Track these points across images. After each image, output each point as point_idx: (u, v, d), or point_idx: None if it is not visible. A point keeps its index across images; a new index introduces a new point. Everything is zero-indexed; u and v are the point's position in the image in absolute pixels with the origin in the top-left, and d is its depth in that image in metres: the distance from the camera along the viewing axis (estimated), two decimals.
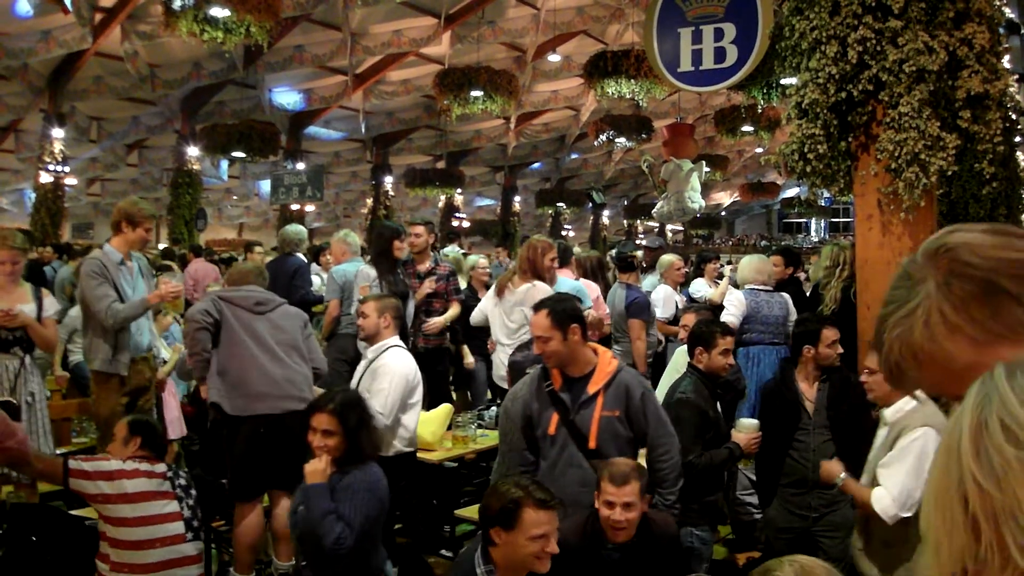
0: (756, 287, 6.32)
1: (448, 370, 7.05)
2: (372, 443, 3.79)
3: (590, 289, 6.53)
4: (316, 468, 3.56)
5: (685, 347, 4.92)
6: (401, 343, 4.93)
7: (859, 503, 3.64)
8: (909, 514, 3.39)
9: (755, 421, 4.34)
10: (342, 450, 3.62)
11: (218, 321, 4.58)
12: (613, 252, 7.71)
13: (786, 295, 6.51)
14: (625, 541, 3.38)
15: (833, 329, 4.31)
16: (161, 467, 3.79)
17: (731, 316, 6.06)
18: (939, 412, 3.54)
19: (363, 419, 3.74)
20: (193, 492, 3.85)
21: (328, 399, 3.73)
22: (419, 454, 5.35)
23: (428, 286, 6.58)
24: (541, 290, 5.71)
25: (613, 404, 3.70)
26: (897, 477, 3.43)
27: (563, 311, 3.73)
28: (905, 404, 3.63)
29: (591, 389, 3.72)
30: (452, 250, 11.11)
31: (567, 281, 6.32)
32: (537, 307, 3.79)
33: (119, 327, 5.19)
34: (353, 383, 4.87)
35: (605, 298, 6.93)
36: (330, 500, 3.49)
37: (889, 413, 3.72)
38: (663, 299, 7.31)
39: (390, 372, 4.65)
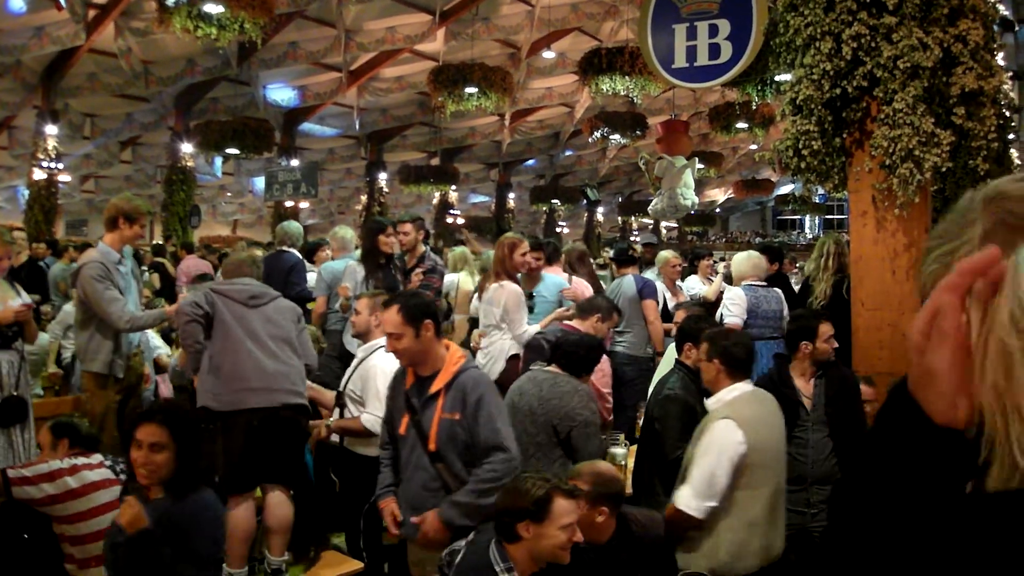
0: (753, 283, 6.34)
1: None
2: (204, 462, 3.33)
3: (579, 284, 6.53)
4: (134, 514, 3.00)
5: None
6: None
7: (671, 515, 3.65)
8: (715, 503, 3.49)
9: None
10: (172, 469, 3.16)
11: (209, 314, 4.53)
12: (611, 251, 7.71)
13: (778, 290, 6.53)
14: (599, 542, 3.36)
15: (828, 324, 4.31)
16: (97, 457, 3.81)
17: (735, 317, 6.04)
18: (749, 404, 3.67)
19: (197, 432, 3.34)
20: None
21: (156, 407, 3.33)
22: None
23: (416, 279, 6.57)
24: (508, 290, 5.72)
25: (452, 406, 3.52)
26: (699, 470, 3.52)
27: (416, 306, 3.58)
28: (726, 394, 3.75)
29: (432, 389, 3.57)
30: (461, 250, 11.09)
31: (553, 277, 6.32)
32: (388, 303, 3.64)
33: (133, 331, 5.21)
34: (343, 383, 4.84)
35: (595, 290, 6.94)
36: (160, 542, 3.02)
37: (711, 402, 3.83)
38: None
39: (380, 374, 4.57)
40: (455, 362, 3.60)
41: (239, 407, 4.45)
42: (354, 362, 4.86)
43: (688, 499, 3.52)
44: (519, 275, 6.01)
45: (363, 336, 4.86)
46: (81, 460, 3.74)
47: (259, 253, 8.83)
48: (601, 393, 5.32)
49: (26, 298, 5.21)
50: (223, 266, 4.99)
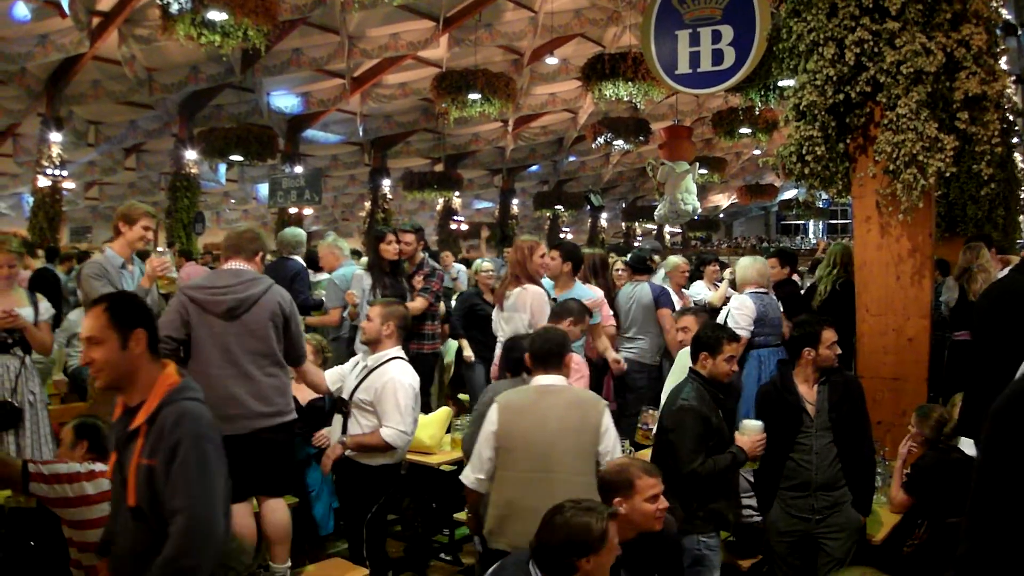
0: (758, 291, 6.23)
1: (432, 376, 7.02)
2: None
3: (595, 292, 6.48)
4: None
5: (688, 348, 4.87)
6: (402, 354, 4.77)
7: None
8: (481, 475, 3.83)
9: (759, 423, 4.23)
10: None
11: (184, 339, 4.36)
12: (628, 257, 7.65)
13: (774, 297, 6.49)
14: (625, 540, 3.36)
15: (831, 330, 4.28)
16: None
17: (743, 330, 5.78)
18: (525, 394, 3.91)
19: None
20: None
21: None
22: (418, 457, 5.34)
23: (417, 284, 6.59)
24: (532, 292, 5.64)
25: (152, 449, 2.69)
26: (475, 447, 3.90)
27: (128, 309, 2.84)
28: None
29: (133, 424, 2.74)
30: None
31: (583, 288, 6.22)
32: (96, 301, 2.87)
33: None
34: (349, 385, 4.73)
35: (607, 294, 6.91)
36: None
37: None
38: None
39: (400, 387, 4.51)
40: (161, 391, 2.78)
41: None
42: (359, 369, 4.75)
43: (466, 471, 3.92)
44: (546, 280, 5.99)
45: (372, 344, 4.74)
46: (99, 467, 3.71)
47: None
48: None
49: (44, 311, 5.20)
50: (224, 242, 4.75)
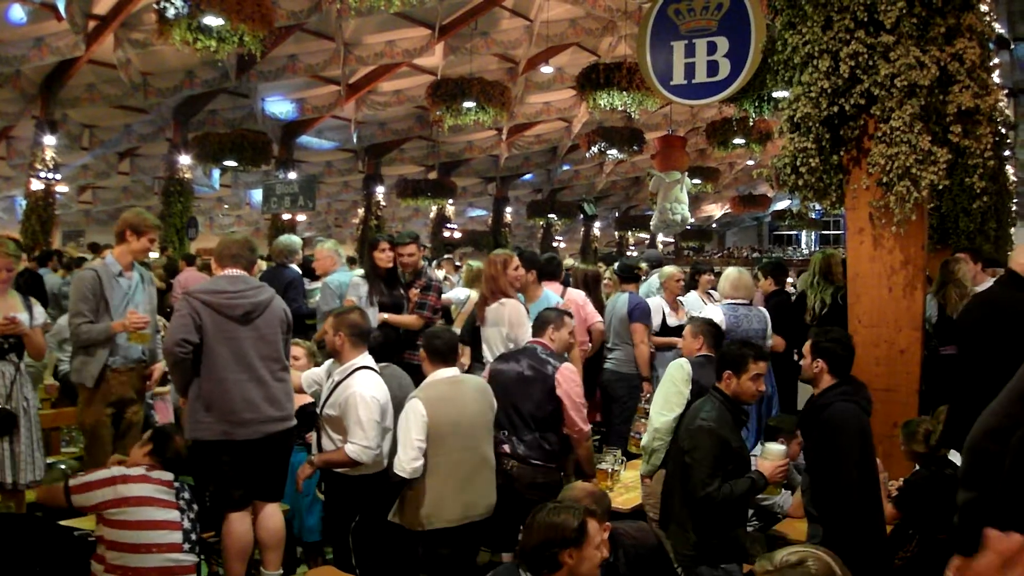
0: (734, 302, 6.29)
1: None
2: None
3: (571, 300, 6.43)
4: None
5: (681, 360, 4.84)
6: (368, 363, 4.62)
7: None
8: (418, 464, 4.18)
9: (782, 447, 4.03)
10: None
11: (198, 343, 4.34)
12: (615, 266, 7.65)
13: (763, 310, 6.51)
14: (606, 558, 3.35)
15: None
16: (168, 476, 3.86)
17: None
18: (439, 386, 4.40)
19: None
20: (195, 507, 3.89)
21: None
22: None
23: (413, 296, 6.53)
24: (511, 307, 5.57)
25: None
26: (400, 439, 4.27)
27: None
28: (430, 379, 4.49)
29: None
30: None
31: (553, 296, 6.24)
32: None
33: (81, 344, 5.18)
34: (321, 398, 4.66)
35: (601, 310, 6.92)
36: None
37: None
38: (653, 310, 7.22)
39: (362, 402, 4.37)
40: None
41: (228, 438, 4.37)
42: (328, 383, 4.65)
43: (398, 462, 4.20)
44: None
45: (335, 356, 4.67)
46: (155, 474, 3.85)
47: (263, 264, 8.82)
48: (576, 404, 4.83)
49: (39, 315, 5.18)
50: (217, 251, 4.71)
